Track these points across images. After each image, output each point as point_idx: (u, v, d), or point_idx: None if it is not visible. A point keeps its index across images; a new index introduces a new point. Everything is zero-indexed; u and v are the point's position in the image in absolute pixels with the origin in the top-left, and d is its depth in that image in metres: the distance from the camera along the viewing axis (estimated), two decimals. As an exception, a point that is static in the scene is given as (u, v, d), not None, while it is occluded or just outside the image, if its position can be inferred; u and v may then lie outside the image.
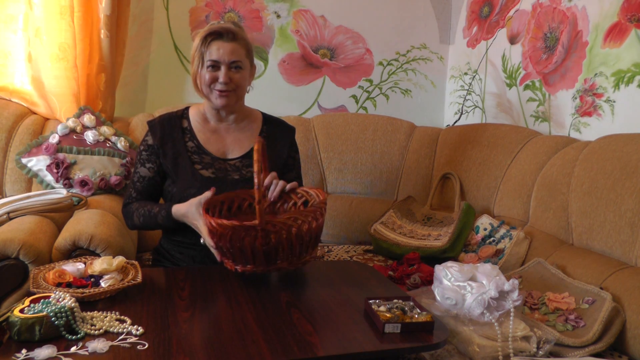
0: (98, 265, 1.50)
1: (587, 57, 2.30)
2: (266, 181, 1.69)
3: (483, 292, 1.49)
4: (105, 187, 2.41)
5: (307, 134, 2.84)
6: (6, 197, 2.25)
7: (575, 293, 1.71)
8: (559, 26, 2.46)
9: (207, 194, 1.64)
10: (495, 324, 1.46)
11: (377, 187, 2.80)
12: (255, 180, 1.41)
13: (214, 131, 1.89)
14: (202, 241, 1.62)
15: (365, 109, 3.22)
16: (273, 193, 1.69)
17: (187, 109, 1.93)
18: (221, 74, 1.76)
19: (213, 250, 1.57)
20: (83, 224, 1.93)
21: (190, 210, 1.67)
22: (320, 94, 3.15)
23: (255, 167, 1.41)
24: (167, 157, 1.83)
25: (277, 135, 1.94)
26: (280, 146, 1.92)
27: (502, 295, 1.50)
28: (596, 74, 2.25)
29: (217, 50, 1.76)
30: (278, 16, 3.03)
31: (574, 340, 1.54)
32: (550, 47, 2.51)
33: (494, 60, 2.91)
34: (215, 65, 1.77)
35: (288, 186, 1.69)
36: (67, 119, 2.47)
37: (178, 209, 1.71)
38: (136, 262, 1.60)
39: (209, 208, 1.61)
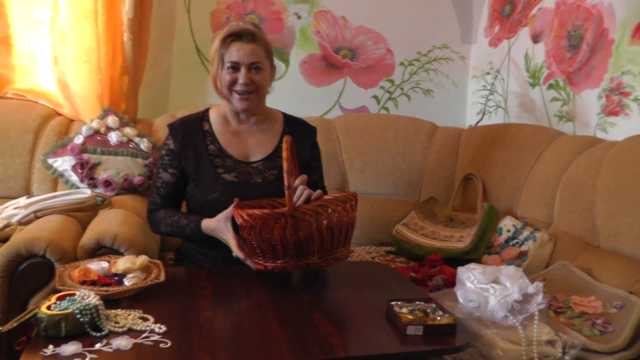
0: (122, 264, 1.52)
1: (614, 55, 2.26)
2: (295, 183, 1.66)
3: (506, 294, 1.48)
4: (128, 187, 2.43)
5: (329, 135, 2.83)
6: (33, 196, 2.29)
7: (602, 297, 1.68)
8: (583, 24, 2.43)
9: (232, 208, 1.63)
10: (519, 327, 1.44)
11: (399, 188, 2.79)
12: (285, 167, 1.41)
13: (235, 133, 1.88)
14: (233, 255, 1.61)
15: (386, 109, 3.21)
16: (300, 198, 1.66)
17: (207, 110, 1.91)
18: (241, 75, 1.76)
19: (248, 262, 1.57)
20: (107, 223, 1.94)
21: (219, 226, 1.67)
22: (342, 95, 3.15)
23: (285, 154, 1.42)
24: (188, 160, 1.82)
25: (299, 136, 1.90)
26: (302, 147, 1.89)
27: (526, 298, 1.48)
28: (623, 72, 2.21)
29: (237, 52, 1.75)
30: (299, 17, 3.04)
31: (602, 345, 1.51)
32: (575, 45, 2.48)
33: (517, 60, 2.88)
34: (235, 67, 1.76)
35: (313, 195, 1.64)
36: (92, 120, 2.50)
37: (208, 225, 1.71)
38: (159, 261, 1.61)
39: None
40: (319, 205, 1.45)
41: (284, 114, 1.97)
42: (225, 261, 1.76)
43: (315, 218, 1.43)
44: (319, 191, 1.66)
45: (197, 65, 2.97)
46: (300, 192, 1.63)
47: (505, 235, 2.26)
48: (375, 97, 3.19)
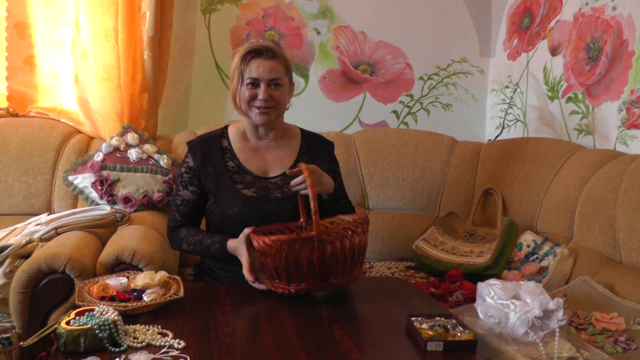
0: (140, 279, 1.53)
1: (634, 67, 2.25)
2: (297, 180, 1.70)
3: (527, 310, 1.46)
4: (147, 204, 2.44)
5: (348, 150, 2.84)
6: (54, 213, 2.32)
7: (625, 313, 1.65)
8: (602, 36, 2.42)
9: (247, 231, 1.66)
10: (540, 344, 1.42)
11: (418, 203, 2.78)
12: (310, 194, 1.47)
13: (254, 149, 1.89)
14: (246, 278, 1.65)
15: (406, 124, 3.21)
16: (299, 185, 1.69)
17: (226, 128, 1.93)
18: (260, 91, 1.77)
19: (256, 286, 1.59)
20: (126, 239, 1.96)
21: (238, 246, 1.70)
22: (361, 110, 3.15)
23: (309, 181, 1.49)
24: (208, 177, 1.84)
25: (317, 151, 1.94)
26: (320, 161, 1.91)
27: (547, 314, 1.47)
28: (644, 85, 2.19)
29: (257, 68, 1.77)
30: (318, 33, 3.06)
31: (625, 362, 1.49)
32: (594, 57, 2.46)
33: (535, 73, 2.87)
34: (254, 83, 1.78)
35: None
36: (111, 138, 2.52)
37: (230, 244, 1.74)
38: (178, 277, 1.62)
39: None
40: (342, 228, 1.51)
41: (302, 130, 1.98)
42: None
43: (340, 240, 1.48)
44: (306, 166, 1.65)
45: (217, 82, 2.99)
46: (300, 179, 1.68)
47: (525, 250, 2.25)
48: (394, 112, 3.19)
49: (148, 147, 2.54)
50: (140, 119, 2.66)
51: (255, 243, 1.54)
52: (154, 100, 2.70)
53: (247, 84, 1.78)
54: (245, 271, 1.62)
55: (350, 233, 1.49)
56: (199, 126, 2.78)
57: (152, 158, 2.52)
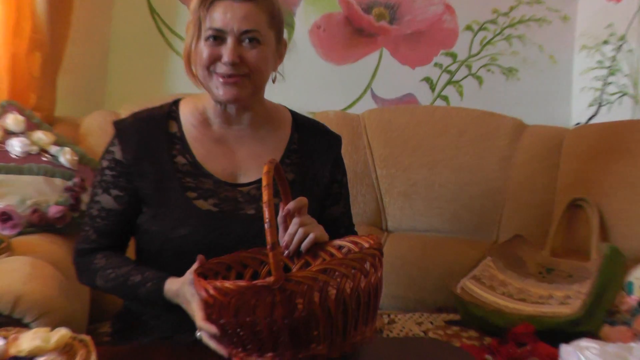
0: (27, 341, 1.49)
1: None
2: (285, 211, 1.68)
3: (642, 389, 1.47)
4: (40, 223, 2.42)
5: (355, 140, 2.85)
6: None
7: None
8: None
9: (195, 265, 1.65)
10: None
11: (464, 222, 2.79)
12: (266, 213, 1.42)
13: (218, 141, 1.92)
14: (197, 334, 1.62)
15: (445, 98, 3.23)
16: (293, 246, 1.67)
17: (175, 104, 1.96)
18: (226, 49, 1.77)
19: (214, 347, 1.58)
20: (5, 279, 1.94)
21: (182, 290, 1.69)
22: (375, 77, 3.18)
23: (265, 197, 1.43)
24: (145, 178, 1.85)
25: (315, 149, 1.98)
26: (320, 165, 1.95)
27: (674, 394, 1.48)
28: None
29: (223, 15, 1.77)
30: (309, -41, 3.15)
31: None
32: None
33: (654, 20, 2.91)
34: (218, 37, 1.78)
35: (314, 236, 1.66)
36: (-21, 121, 2.55)
37: (170, 285, 1.74)
38: (88, 338, 1.59)
39: (207, 275, 1.63)
40: (322, 269, 1.46)
41: (293, 114, 2.02)
42: (195, 329, 1.73)
43: (318, 288, 1.44)
44: (323, 235, 1.69)
45: (152, 36, 3.03)
46: (300, 233, 1.66)
47: (637, 294, 2.24)
48: (427, 80, 3.22)
49: (41, 136, 2.53)
50: (29, 92, 2.68)
51: (199, 290, 1.54)
52: (50, 64, 2.71)
53: (207, 38, 1.78)
54: (201, 321, 1.59)
55: (339, 278, 1.46)
56: (122, 104, 2.79)
57: (47, 152, 2.52)
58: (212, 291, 1.46)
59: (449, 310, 2.56)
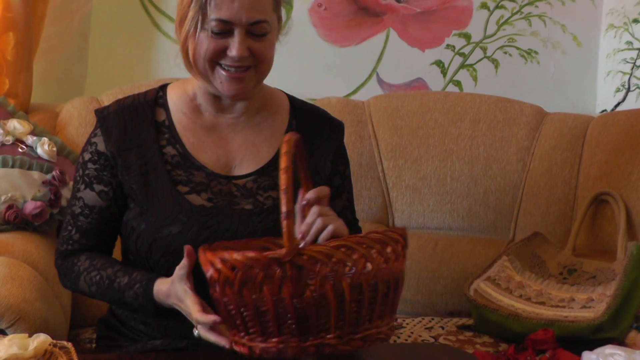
0: (3, 348, 1.50)
1: None
2: (305, 198, 1.65)
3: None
4: (16, 220, 2.42)
5: (360, 129, 2.86)
6: None
7: None
8: None
9: (184, 262, 1.65)
10: None
11: (479, 218, 2.81)
12: (282, 180, 1.41)
13: (211, 129, 1.91)
14: (195, 333, 1.64)
15: (457, 84, 3.24)
16: (310, 237, 1.64)
17: (163, 89, 1.95)
18: (235, 43, 1.75)
19: (214, 339, 1.58)
20: None
21: (172, 290, 1.68)
22: (381, 60, 3.18)
23: (283, 164, 1.42)
24: (130, 172, 1.85)
25: (316, 136, 1.96)
26: (320, 154, 1.95)
27: None
28: None
29: (230, 3, 1.73)
30: None
31: None
32: None
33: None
34: (224, 30, 1.75)
35: (335, 229, 1.64)
36: (-51, 109, 2.53)
37: (160, 287, 1.72)
38: (69, 344, 1.61)
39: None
40: (338, 245, 1.44)
41: (291, 98, 2.01)
42: (186, 332, 1.76)
43: (332, 268, 1.43)
44: (341, 229, 1.65)
45: (137, 15, 3.00)
46: (319, 224, 1.63)
47: None
48: (438, 63, 3.23)
49: (16, 125, 2.52)
50: (1, 77, 2.67)
51: (204, 265, 1.52)
52: (25, 46, 2.70)
53: (213, 32, 1.75)
54: (198, 313, 1.60)
55: (355, 257, 1.43)
56: (104, 90, 2.79)
57: (22, 143, 2.51)
58: (218, 264, 1.45)
59: (461, 315, 2.61)
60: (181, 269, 1.65)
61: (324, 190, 1.66)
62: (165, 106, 1.91)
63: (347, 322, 1.46)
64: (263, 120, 1.94)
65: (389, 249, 1.48)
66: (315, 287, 1.43)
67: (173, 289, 1.68)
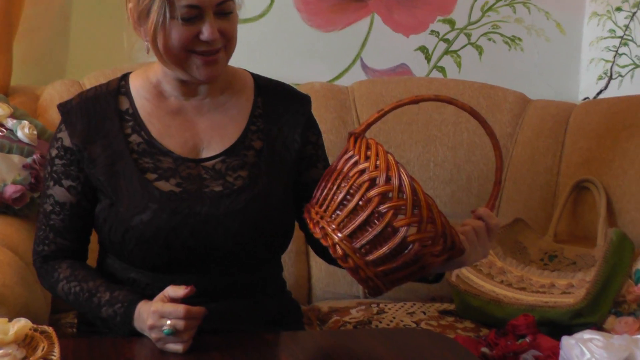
0: None
1: None
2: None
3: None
4: None
5: (344, 114, 2.87)
6: None
7: None
8: None
9: (173, 292, 1.65)
10: None
11: (462, 204, 2.81)
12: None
13: (176, 113, 1.91)
14: (165, 331, 1.61)
15: (441, 70, 3.25)
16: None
17: (124, 79, 1.94)
18: (207, 26, 1.74)
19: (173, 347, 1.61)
20: None
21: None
22: (365, 46, 3.18)
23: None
24: (96, 164, 1.85)
25: (282, 112, 1.96)
26: (288, 129, 1.94)
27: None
28: None
29: None
30: None
31: None
32: None
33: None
34: (194, 15, 1.74)
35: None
36: None
37: (143, 307, 1.71)
38: (50, 329, 1.59)
39: None
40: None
41: (255, 77, 2.00)
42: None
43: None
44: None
45: None
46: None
47: None
48: (422, 49, 3.23)
49: None
50: None
51: None
52: (5, 27, 2.69)
53: (183, 19, 1.74)
54: (163, 293, 1.65)
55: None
56: (86, 72, 2.78)
57: (2, 126, 2.49)
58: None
59: (443, 300, 2.62)
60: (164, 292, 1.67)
61: (497, 223, 1.81)
62: (128, 94, 1.91)
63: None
64: (227, 100, 1.94)
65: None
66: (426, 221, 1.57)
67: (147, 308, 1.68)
